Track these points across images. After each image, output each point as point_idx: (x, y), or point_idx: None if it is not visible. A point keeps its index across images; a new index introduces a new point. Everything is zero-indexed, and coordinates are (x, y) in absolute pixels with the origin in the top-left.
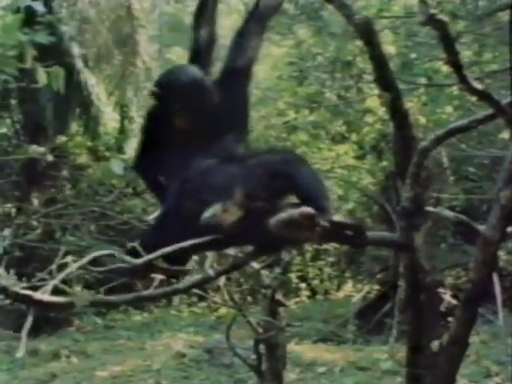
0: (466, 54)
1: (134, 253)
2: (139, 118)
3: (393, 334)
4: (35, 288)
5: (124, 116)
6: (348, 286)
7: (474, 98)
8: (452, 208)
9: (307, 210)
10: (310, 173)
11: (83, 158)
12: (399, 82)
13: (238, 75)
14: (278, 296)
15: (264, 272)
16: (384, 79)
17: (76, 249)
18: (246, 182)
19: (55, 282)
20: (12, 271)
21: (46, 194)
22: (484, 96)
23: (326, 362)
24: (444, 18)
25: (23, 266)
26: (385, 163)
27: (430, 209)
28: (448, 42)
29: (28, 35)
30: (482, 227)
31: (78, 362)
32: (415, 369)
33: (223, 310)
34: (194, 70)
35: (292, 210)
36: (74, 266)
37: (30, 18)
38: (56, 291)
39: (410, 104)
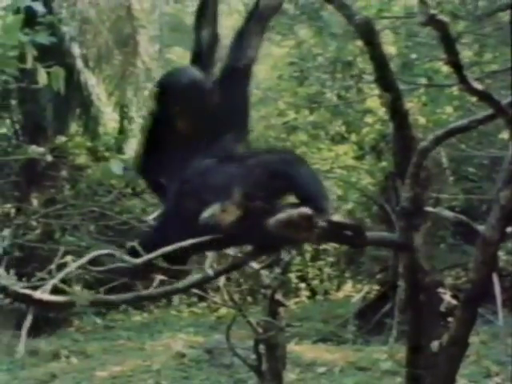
0: (466, 55)
1: (134, 253)
2: (139, 118)
3: (392, 334)
4: (35, 288)
5: (124, 116)
6: (348, 286)
7: (474, 99)
8: (451, 208)
9: (305, 210)
10: (309, 173)
11: (83, 159)
12: (399, 83)
13: (237, 75)
14: (278, 296)
15: (264, 272)
16: (384, 79)
17: (75, 249)
18: (245, 182)
19: (55, 281)
20: (12, 271)
21: (45, 194)
22: (484, 96)
23: (326, 362)
24: (444, 18)
25: (23, 266)
26: (384, 163)
27: (429, 209)
28: (448, 42)
29: (29, 36)
30: (481, 227)
31: (77, 362)
32: (415, 369)
33: (223, 310)
34: (194, 72)
35: (291, 210)
36: (73, 265)
37: (30, 19)
38: (56, 291)
39: (410, 104)
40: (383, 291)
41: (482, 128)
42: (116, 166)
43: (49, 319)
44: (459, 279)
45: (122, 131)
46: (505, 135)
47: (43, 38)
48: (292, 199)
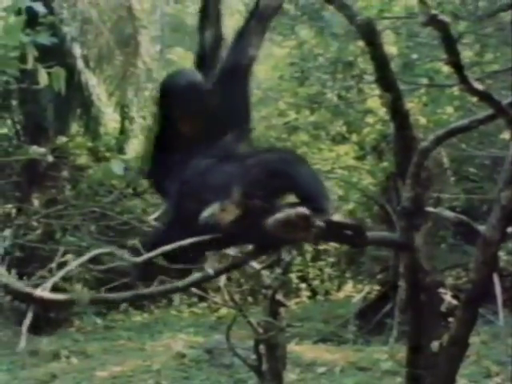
0: (467, 55)
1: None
2: (140, 118)
3: (393, 335)
4: (35, 286)
5: (124, 116)
6: (348, 287)
7: (474, 99)
8: (452, 208)
9: (303, 210)
10: (310, 172)
11: (83, 159)
12: (400, 83)
13: (237, 75)
14: (279, 296)
15: (264, 272)
16: (385, 80)
17: (76, 249)
18: (244, 181)
19: (55, 279)
20: (13, 271)
21: (46, 194)
22: (485, 96)
23: (326, 362)
24: (445, 18)
25: (23, 266)
26: (385, 164)
27: (430, 209)
28: (449, 42)
29: (30, 36)
30: (482, 228)
31: (77, 363)
32: (415, 369)
33: (223, 311)
34: (192, 73)
35: (288, 210)
36: (74, 263)
37: (31, 19)
38: (56, 290)
39: (411, 104)
40: (384, 291)
41: (482, 128)
42: (117, 167)
43: (49, 319)
44: (460, 279)
45: (122, 131)
46: (506, 135)
47: (44, 39)
48: (293, 199)
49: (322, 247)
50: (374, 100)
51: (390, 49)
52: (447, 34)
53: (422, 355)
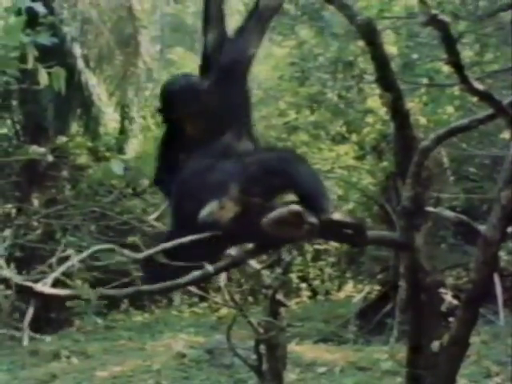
0: (467, 55)
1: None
2: (140, 118)
3: (393, 335)
4: (36, 281)
5: (125, 116)
6: (349, 287)
7: (475, 99)
8: (452, 208)
9: (295, 207)
10: (309, 171)
11: (83, 159)
12: (400, 83)
13: (234, 73)
14: (279, 296)
15: (265, 272)
16: (385, 79)
17: (76, 249)
18: (242, 178)
19: (56, 274)
20: (12, 265)
21: (46, 194)
22: (485, 96)
23: (327, 362)
24: (445, 18)
25: (24, 266)
26: (385, 163)
27: (430, 209)
28: (449, 42)
29: (30, 36)
30: (482, 227)
31: (78, 363)
32: (415, 369)
33: (224, 311)
34: (186, 77)
35: (282, 208)
36: (74, 259)
37: (31, 20)
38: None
39: (411, 104)
40: (384, 291)
41: (482, 128)
42: (117, 166)
43: (50, 319)
44: (460, 279)
45: (122, 131)
46: (506, 135)
47: (44, 39)
48: (293, 198)
49: (322, 247)
50: (374, 100)
51: (390, 49)
52: (447, 34)
53: (423, 355)
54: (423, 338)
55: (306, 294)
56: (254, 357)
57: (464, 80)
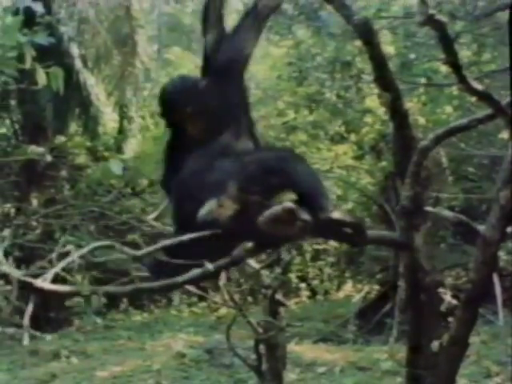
0: (465, 54)
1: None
2: (138, 118)
3: (393, 334)
4: (36, 277)
5: (123, 116)
6: (348, 286)
7: (473, 98)
8: (451, 208)
9: (288, 204)
10: (308, 170)
11: (82, 158)
12: (399, 82)
13: (230, 72)
14: (278, 296)
15: (264, 272)
16: (383, 79)
17: (76, 248)
18: (240, 177)
19: (56, 269)
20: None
21: (45, 194)
22: (483, 96)
23: (326, 362)
24: (443, 18)
25: (23, 266)
26: (384, 163)
27: (429, 209)
28: (447, 42)
29: (27, 36)
30: (481, 227)
31: (78, 362)
32: (415, 369)
33: (223, 310)
34: (181, 78)
35: (276, 206)
36: (74, 255)
37: (29, 19)
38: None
39: (410, 104)
40: (383, 291)
41: (481, 128)
42: (115, 166)
43: (49, 319)
44: (459, 279)
45: (121, 131)
46: (504, 135)
47: (42, 39)
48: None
49: (321, 247)
50: (373, 99)
51: (388, 48)
52: (444, 34)
53: (422, 355)
54: (423, 338)
55: (305, 293)
56: (254, 357)
57: (462, 80)
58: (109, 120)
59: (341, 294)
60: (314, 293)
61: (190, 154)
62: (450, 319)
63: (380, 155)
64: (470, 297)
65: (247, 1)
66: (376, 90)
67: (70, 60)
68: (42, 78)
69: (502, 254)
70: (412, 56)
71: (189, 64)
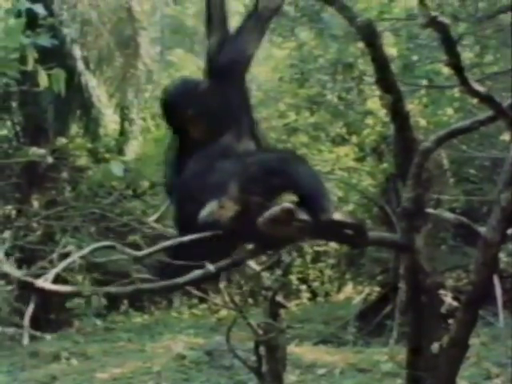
0: (467, 56)
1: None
2: (140, 120)
3: (393, 336)
4: (37, 277)
5: (124, 118)
6: (348, 288)
7: (474, 100)
8: (452, 210)
9: (286, 205)
10: (310, 172)
11: (83, 160)
12: (400, 84)
13: (230, 73)
14: (279, 298)
15: (264, 274)
16: (385, 81)
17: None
18: (242, 178)
19: (57, 269)
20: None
21: (46, 195)
22: (485, 98)
23: (326, 363)
24: (445, 20)
25: (23, 268)
26: (385, 165)
27: (430, 211)
28: (449, 44)
29: (30, 38)
30: (482, 229)
31: (78, 364)
32: (415, 371)
33: (224, 312)
34: (182, 81)
35: (275, 207)
36: (75, 255)
37: (31, 21)
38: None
39: (411, 106)
40: (384, 293)
41: (482, 129)
42: (116, 168)
43: (49, 321)
44: (460, 281)
45: (122, 133)
46: (506, 137)
47: (44, 41)
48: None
49: (322, 249)
50: (374, 101)
51: (390, 50)
52: (447, 36)
53: (423, 357)
54: (423, 340)
55: (305, 295)
56: (254, 358)
57: (464, 82)
58: (110, 122)
59: (341, 296)
60: (314, 294)
61: (192, 156)
62: (451, 321)
63: (381, 157)
64: (471, 298)
65: (248, 3)
66: (377, 92)
67: (72, 62)
68: (43, 79)
69: (502, 256)
70: (414, 58)
71: (191, 66)
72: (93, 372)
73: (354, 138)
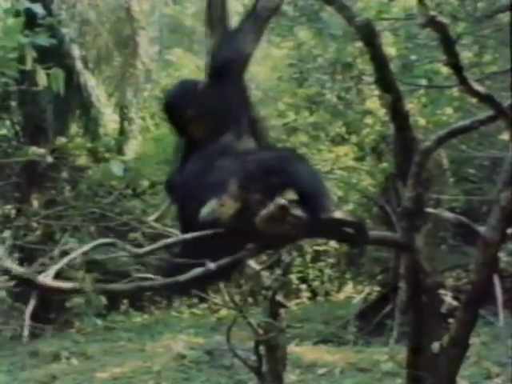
0: (466, 56)
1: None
2: (139, 119)
3: (393, 336)
4: (38, 273)
5: (124, 117)
6: (348, 288)
7: (474, 100)
8: (452, 209)
9: (280, 201)
10: (310, 170)
11: (83, 160)
12: (399, 84)
13: (229, 72)
14: (279, 297)
15: (264, 273)
16: (385, 80)
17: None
18: (242, 176)
19: (59, 266)
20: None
21: (45, 195)
22: (484, 98)
23: (327, 363)
24: (444, 19)
25: (23, 267)
26: (385, 165)
27: (430, 210)
28: (448, 43)
29: (28, 37)
30: (482, 229)
31: (78, 364)
32: (416, 370)
33: (224, 312)
34: (183, 84)
35: (271, 205)
36: (77, 252)
37: (30, 21)
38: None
39: (411, 105)
40: (384, 292)
41: (482, 129)
42: (116, 167)
43: (49, 320)
44: (460, 280)
45: (122, 132)
46: (505, 136)
47: (43, 40)
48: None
49: (321, 248)
50: (374, 101)
51: (389, 50)
52: (446, 35)
53: (423, 356)
54: (423, 339)
55: (305, 295)
56: (254, 358)
57: (463, 81)
58: (109, 121)
59: (341, 296)
60: (314, 294)
61: (190, 155)
62: (451, 320)
63: (381, 156)
64: (471, 298)
65: (248, 3)
66: (377, 92)
67: (71, 61)
68: (42, 79)
69: (502, 256)
70: (413, 57)
71: (190, 65)
72: (93, 371)
73: (354, 138)
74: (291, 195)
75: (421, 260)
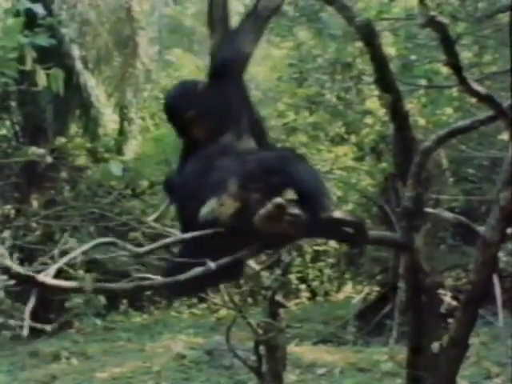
0: (465, 56)
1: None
2: (138, 119)
3: (393, 336)
4: (38, 272)
5: (123, 117)
6: (348, 288)
7: (473, 100)
8: (451, 209)
9: (278, 200)
10: (310, 170)
11: (82, 160)
12: (399, 84)
13: (228, 71)
14: (278, 297)
15: (264, 273)
16: (384, 80)
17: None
18: (242, 176)
19: (59, 265)
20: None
21: (45, 195)
22: (484, 98)
23: (326, 363)
24: (444, 19)
25: (23, 267)
26: (384, 165)
27: (429, 210)
28: (448, 43)
29: (28, 38)
30: (481, 228)
31: (77, 364)
32: (415, 370)
33: (223, 312)
34: (181, 83)
35: (269, 204)
36: (77, 251)
37: (30, 21)
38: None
39: (410, 105)
40: (383, 292)
41: (481, 129)
42: (115, 168)
43: (49, 321)
44: (459, 280)
45: (121, 132)
46: (505, 136)
47: (42, 40)
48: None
49: (321, 248)
50: (373, 101)
51: (389, 50)
52: (446, 35)
53: (422, 356)
54: (423, 339)
55: (305, 295)
56: (254, 358)
57: (463, 81)
58: (109, 121)
59: (341, 296)
60: (313, 294)
61: (191, 155)
62: (450, 320)
63: (380, 156)
64: (470, 298)
65: (249, 3)
66: (376, 92)
67: (71, 61)
68: (42, 79)
69: (501, 255)
70: (413, 57)
71: (189, 65)
72: (92, 371)
73: (353, 138)
74: (291, 195)
75: (420, 260)
